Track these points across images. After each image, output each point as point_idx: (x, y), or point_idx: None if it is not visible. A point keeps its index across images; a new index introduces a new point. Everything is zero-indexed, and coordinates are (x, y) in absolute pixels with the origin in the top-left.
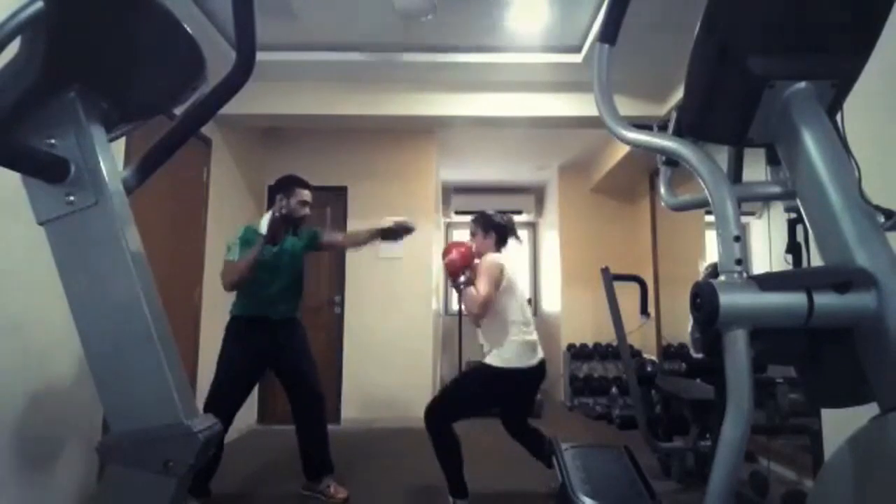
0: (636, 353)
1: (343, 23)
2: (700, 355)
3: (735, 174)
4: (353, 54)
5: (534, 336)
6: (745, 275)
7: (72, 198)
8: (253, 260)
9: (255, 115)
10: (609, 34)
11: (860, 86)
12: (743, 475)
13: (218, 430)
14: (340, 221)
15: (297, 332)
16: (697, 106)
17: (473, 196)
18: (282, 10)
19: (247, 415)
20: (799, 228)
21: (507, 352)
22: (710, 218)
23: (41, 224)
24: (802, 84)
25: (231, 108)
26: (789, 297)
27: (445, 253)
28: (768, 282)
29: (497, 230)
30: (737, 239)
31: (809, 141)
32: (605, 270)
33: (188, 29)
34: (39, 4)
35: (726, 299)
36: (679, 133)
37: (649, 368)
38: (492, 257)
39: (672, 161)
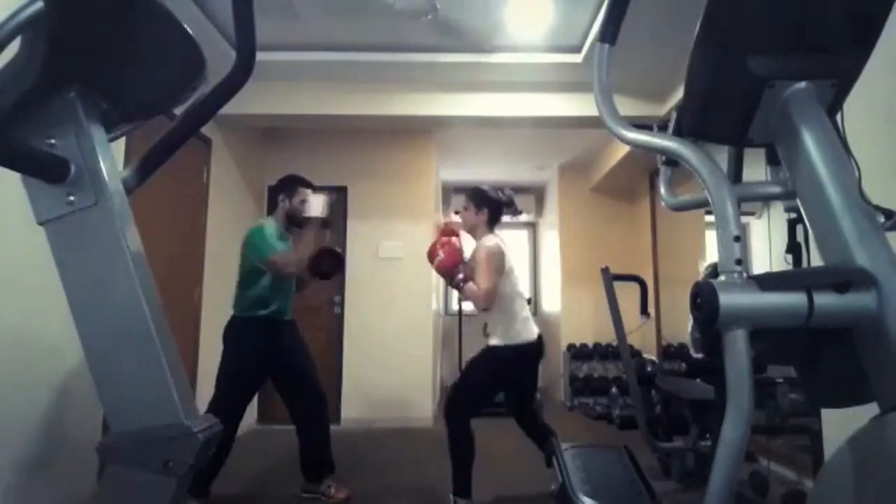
0: (636, 353)
1: (343, 23)
2: (700, 355)
3: (735, 174)
4: (353, 54)
5: (528, 311)
6: (745, 275)
7: (72, 198)
8: (299, 258)
9: (255, 115)
10: (609, 34)
11: (860, 86)
12: (743, 475)
13: (218, 431)
14: (340, 221)
15: (298, 333)
16: (697, 106)
17: None
18: (282, 10)
19: (247, 415)
20: (799, 228)
21: (511, 329)
22: (710, 218)
23: (41, 224)
24: (802, 84)
25: (231, 108)
26: (789, 297)
27: (432, 255)
28: (768, 282)
29: (491, 206)
30: (737, 239)
31: (809, 141)
32: (605, 270)
33: (188, 29)
34: (39, 4)
35: (726, 299)
36: (679, 133)
37: (649, 368)
38: (489, 244)
39: (672, 161)
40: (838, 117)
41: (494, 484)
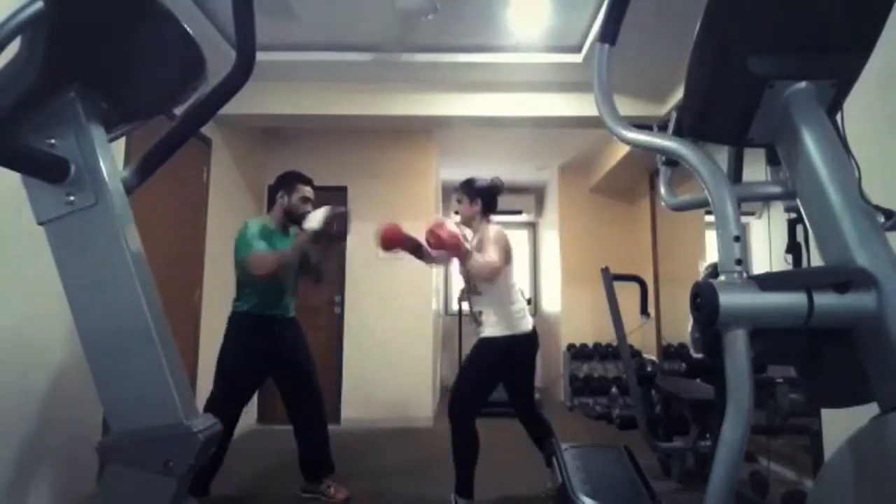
0: (636, 353)
1: (343, 23)
2: (700, 355)
3: (735, 174)
4: (353, 54)
5: (524, 303)
6: (745, 275)
7: (72, 198)
8: (282, 257)
9: (255, 115)
10: (609, 34)
11: (860, 86)
12: (743, 475)
13: (218, 430)
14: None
15: (300, 332)
16: (697, 106)
17: None
18: (282, 10)
19: (247, 415)
20: (799, 228)
21: (508, 318)
22: (710, 218)
23: (41, 224)
24: (802, 84)
25: (231, 108)
26: (789, 297)
27: (434, 235)
28: (768, 282)
29: (483, 196)
30: (737, 239)
31: (809, 141)
32: (605, 270)
33: (188, 29)
34: (39, 4)
35: (726, 299)
36: (679, 133)
37: (649, 368)
38: (495, 228)
39: (672, 161)
40: (838, 117)
41: (495, 484)
